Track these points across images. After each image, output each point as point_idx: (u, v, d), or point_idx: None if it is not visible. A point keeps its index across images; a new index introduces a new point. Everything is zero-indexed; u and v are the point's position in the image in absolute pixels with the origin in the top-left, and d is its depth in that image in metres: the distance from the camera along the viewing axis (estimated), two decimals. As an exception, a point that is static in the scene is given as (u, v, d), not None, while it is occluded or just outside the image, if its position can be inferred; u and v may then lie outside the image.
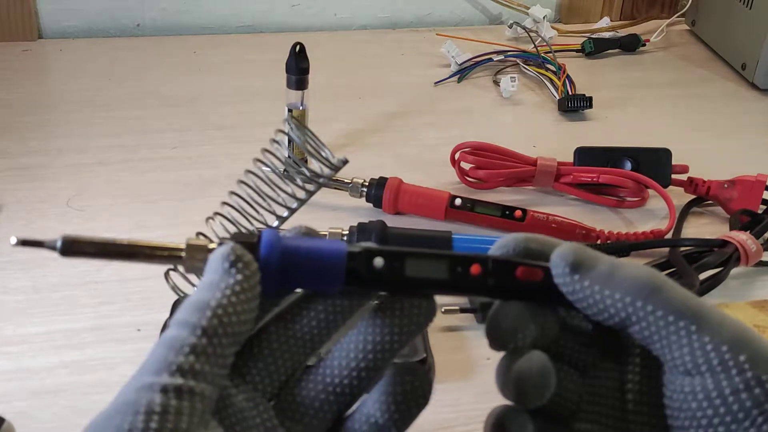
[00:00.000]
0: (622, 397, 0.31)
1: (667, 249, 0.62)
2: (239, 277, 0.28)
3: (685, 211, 0.69)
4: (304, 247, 0.30)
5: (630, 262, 0.30)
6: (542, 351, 0.31)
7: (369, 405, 0.31)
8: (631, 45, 1.01)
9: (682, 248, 0.61)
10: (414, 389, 0.31)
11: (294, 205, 0.58)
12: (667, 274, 0.58)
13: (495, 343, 0.31)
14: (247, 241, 0.30)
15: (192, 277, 0.52)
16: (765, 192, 0.67)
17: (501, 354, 0.32)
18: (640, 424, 0.31)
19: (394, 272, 0.30)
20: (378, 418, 0.31)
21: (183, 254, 0.30)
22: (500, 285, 0.31)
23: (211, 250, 0.30)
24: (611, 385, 0.32)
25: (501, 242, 0.32)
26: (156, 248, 0.30)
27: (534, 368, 0.30)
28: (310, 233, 0.31)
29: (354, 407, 0.32)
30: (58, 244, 0.29)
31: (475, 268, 0.31)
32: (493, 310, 0.31)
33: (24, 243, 0.29)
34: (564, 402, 0.32)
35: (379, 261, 0.30)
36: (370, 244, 0.31)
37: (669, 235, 0.65)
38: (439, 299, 0.32)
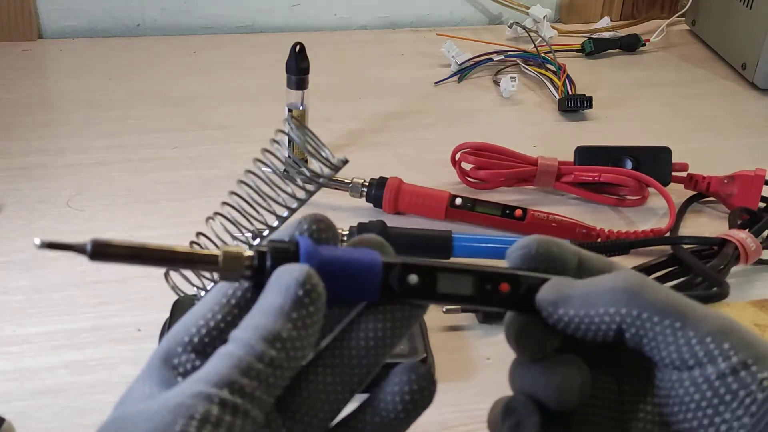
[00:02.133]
0: (619, 391, 0.32)
1: (667, 247, 0.62)
2: (312, 309, 0.28)
3: (685, 207, 0.69)
4: (341, 257, 0.30)
5: (605, 275, 0.31)
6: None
7: (374, 403, 0.32)
8: (631, 45, 1.01)
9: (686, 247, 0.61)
10: (421, 389, 0.31)
11: (294, 205, 0.58)
12: (669, 272, 0.59)
13: (526, 353, 0.32)
14: (285, 249, 0.29)
15: (192, 277, 0.52)
16: (765, 187, 0.68)
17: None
18: (636, 420, 0.31)
19: (426, 288, 0.31)
20: (384, 417, 0.31)
21: (219, 262, 0.29)
22: (526, 302, 0.31)
23: (248, 258, 0.29)
24: (609, 379, 0.32)
25: (522, 243, 0.32)
26: (191, 255, 0.28)
27: (575, 374, 0.31)
28: (326, 227, 0.31)
29: (356, 405, 0.32)
30: (88, 247, 0.27)
31: (504, 287, 0.31)
32: (519, 324, 0.32)
33: (50, 246, 0.26)
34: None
35: (413, 278, 0.31)
36: (404, 257, 0.31)
37: (669, 234, 0.65)
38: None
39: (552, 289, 0.31)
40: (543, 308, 0.31)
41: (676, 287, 0.57)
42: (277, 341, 0.27)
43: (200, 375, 0.27)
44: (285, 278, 0.28)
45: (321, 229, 0.31)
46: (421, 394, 0.31)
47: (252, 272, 0.29)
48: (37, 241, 0.26)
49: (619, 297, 0.29)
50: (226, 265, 0.29)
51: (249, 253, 0.29)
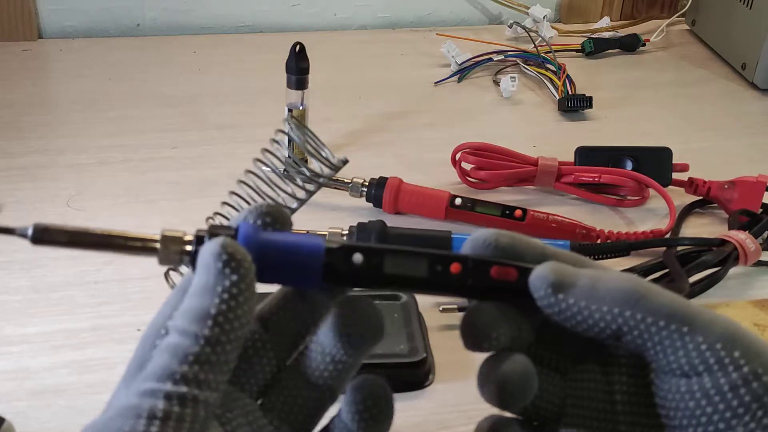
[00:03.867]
0: (609, 398, 0.31)
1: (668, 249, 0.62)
2: (235, 277, 0.27)
3: (686, 212, 0.69)
4: (282, 241, 0.29)
5: (610, 271, 0.30)
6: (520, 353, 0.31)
7: (342, 412, 0.31)
8: (631, 45, 1.01)
9: (682, 247, 0.61)
10: (373, 406, 0.30)
11: (294, 205, 0.58)
12: (662, 275, 0.59)
13: (469, 342, 0.31)
14: (224, 232, 0.29)
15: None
16: (766, 193, 0.67)
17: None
18: (631, 424, 0.31)
19: (372, 269, 0.30)
20: (350, 426, 0.31)
21: (157, 246, 0.29)
22: (479, 284, 0.30)
23: (186, 242, 0.29)
24: (595, 386, 0.32)
25: (473, 235, 0.32)
26: (129, 239, 0.29)
27: (516, 369, 0.30)
28: (274, 219, 0.30)
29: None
30: (29, 231, 0.28)
31: (454, 267, 0.30)
32: (467, 310, 0.31)
33: None
34: (547, 405, 0.32)
35: (358, 257, 0.30)
36: (348, 242, 0.31)
37: (668, 235, 0.65)
38: (436, 297, 0.32)
39: (553, 271, 0.30)
40: (538, 288, 0.29)
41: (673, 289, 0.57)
42: (207, 319, 0.27)
43: (144, 373, 0.27)
44: (204, 255, 0.28)
45: (267, 223, 0.30)
46: (376, 410, 0.30)
47: (191, 256, 0.29)
48: None
49: (625, 298, 0.28)
50: (164, 249, 0.29)
51: (189, 237, 0.29)
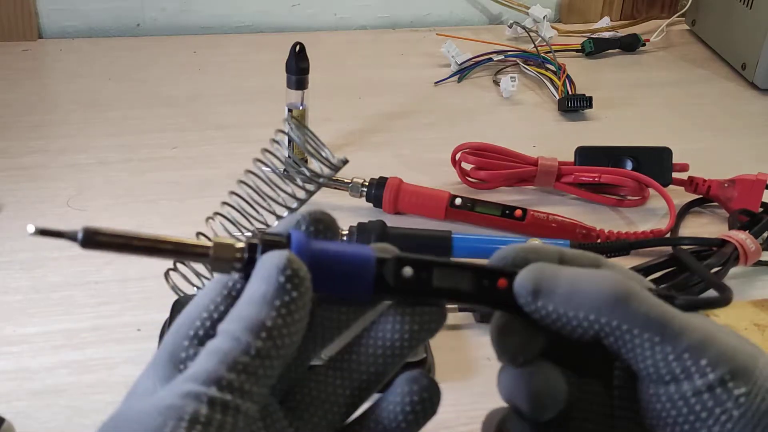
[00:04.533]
0: (608, 394, 0.32)
1: (666, 248, 0.62)
2: (295, 294, 0.27)
3: (685, 211, 0.69)
4: (333, 251, 0.29)
5: (594, 271, 0.30)
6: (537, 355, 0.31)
7: (379, 410, 0.31)
8: (631, 45, 1.01)
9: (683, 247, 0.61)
10: (422, 400, 0.31)
11: (294, 205, 0.58)
12: (667, 273, 0.59)
13: (506, 357, 0.31)
14: (276, 241, 0.29)
15: (192, 277, 0.52)
16: (765, 191, 0.67)
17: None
18: (626, 419, 0.31)
19: (422, 282, 0.30)
20: (387, 424, 0.31)
21: (210, 252, 0.28)
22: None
23: (238, 249, 0.29)
24: (601, 385, 0.32)
25: (500, 253, 0.32)
26: (182, 245, 0.28)
27: (550, 383, 0.30)
28: (325, 227, 0.30)
29: (363, 408, 0.32)
30: (80, 235, 0.27)
31: (502, 282, 0.31)
32: (499, 325, 0.31)
33: (43, 233, 0.27)
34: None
35: (408, 270, 0.30)
36: (396, 251, 0.31)
37: (668, 235, 0.65)
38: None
39: (532, 277, 0.30)
40: (520, 296, 0.30)
41: (674, 287, 0.57)
42: (262, 331, 0.26)
43: (189, 373, 0.26)
44: (267, 266, 0.28)
45: (318, 230, 0.30)
46: (423, 405, 0.31)
47: (243, 264, 0.29)
48: (31, 228, 0.26)
49: (601, 304, 0.29)
50: (216, 256, 0.28)
51: (240, 244, 0.29)
